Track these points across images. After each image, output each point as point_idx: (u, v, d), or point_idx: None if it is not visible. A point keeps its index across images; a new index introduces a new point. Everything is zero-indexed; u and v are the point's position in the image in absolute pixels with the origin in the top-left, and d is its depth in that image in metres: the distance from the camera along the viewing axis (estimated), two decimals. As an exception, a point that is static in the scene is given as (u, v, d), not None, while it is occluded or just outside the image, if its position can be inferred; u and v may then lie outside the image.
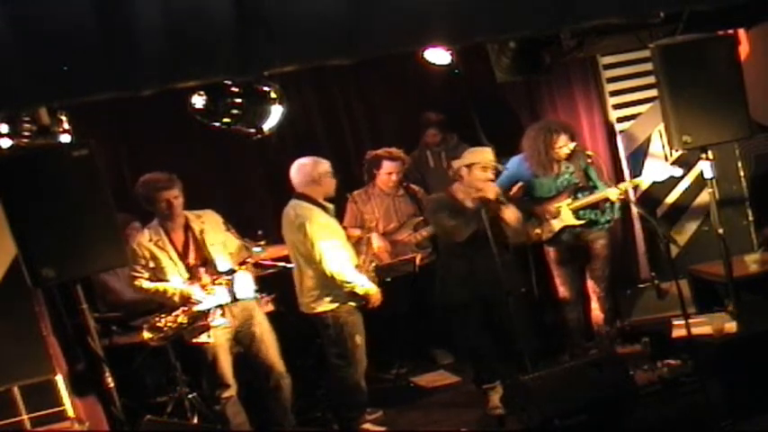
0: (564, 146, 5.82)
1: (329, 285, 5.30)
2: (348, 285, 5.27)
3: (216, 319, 5.11)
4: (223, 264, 5.13)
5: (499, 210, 5.40)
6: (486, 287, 5.41)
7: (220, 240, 5.20)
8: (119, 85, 3.35)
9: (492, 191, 5.41)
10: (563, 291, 6.05)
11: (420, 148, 6.89)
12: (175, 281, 5.11)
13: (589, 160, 5.98)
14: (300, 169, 5.37)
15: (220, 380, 5.20)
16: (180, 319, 5.06)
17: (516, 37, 4.97)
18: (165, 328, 5.06)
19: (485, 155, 5.50)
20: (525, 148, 5.99)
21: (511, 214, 5.45)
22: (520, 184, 6.04)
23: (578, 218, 5.90)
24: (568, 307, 6.08)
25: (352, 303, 5.36)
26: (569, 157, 5.89)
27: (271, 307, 5.58)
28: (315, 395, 5.95)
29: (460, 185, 5.54)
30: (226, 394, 5.21)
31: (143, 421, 4.88)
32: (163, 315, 5.07)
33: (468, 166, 5.47)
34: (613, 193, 5.81)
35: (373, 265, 5.61)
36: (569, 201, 5.89)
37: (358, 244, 5.66)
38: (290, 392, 5.40)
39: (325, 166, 5.39)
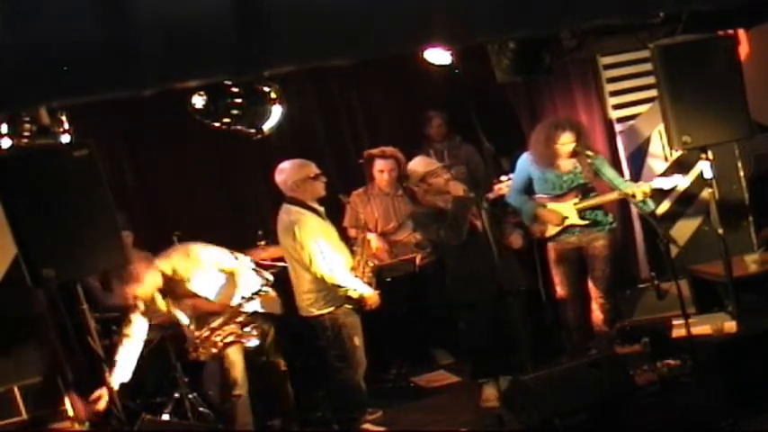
0: (567, 143, 5.82)
1: (325, 288, 5.29)
2: (341, 289, 5.28)
3: (251, 341, 5.12)
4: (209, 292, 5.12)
5: (474, 203, 5.42)
6: (492, 285, 5.43)
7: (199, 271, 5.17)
8: (119, 85, 3.35)
9: (458, 188, 5.44)
10: (560, 290, 6.05)
11: (423, 148, 6.88)
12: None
13: (595, 160, 5.94)
14: (282, 174, 5.34)
15: (232, 379, 5.19)
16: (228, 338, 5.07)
17: (516, 37, 4.97)
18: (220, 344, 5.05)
19: (423, 163, 5.65)
20: (530, 142, 6.02)
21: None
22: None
23: (582, 218, 5.90)
24: (566, 306, 6.08)
25: (349, 306, 5.36)
26: (575, 155, 5.87)
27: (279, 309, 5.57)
28: (315, 395, 5.95)
29: (433, 196, 5.61)
30: (237, 392, 5.21)
31: (143, 421, 4.88)
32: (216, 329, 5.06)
33: (423, 180, 5.57)
34: (638, 191, 5.76)
35: (370, 266, 5.60)
36: (576, 200, 5.90)
37: (353, 244, 5.65)
38: (288, 387, 5.43)
39: (306, 168, 5.34)
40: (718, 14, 5.29)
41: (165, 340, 5.53)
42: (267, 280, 5.15)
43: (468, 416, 5.59)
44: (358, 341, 5.41)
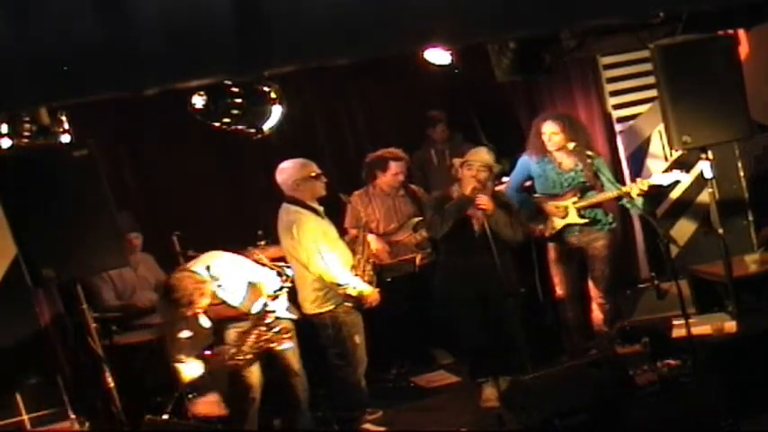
0: (548, 133, 5.84)
1: (325, 287, 5.30)
2: (340, 288, 5.28)
3: (285, 344, 5.08)
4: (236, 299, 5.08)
5: (476, 202, 5.39)
6: (483, 285, 5.44)
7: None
8: (119, 85, 3.35)
9: (468, 186, 5.44)
10: (559, 290, 6.06)
11: (424, 147, 6.92)
12: None
13: (595, 161, 5.93)
14: (282, 173, 5.36)
15: (248, 384, 5.16)
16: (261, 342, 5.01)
17: (516, 37, 4.97)
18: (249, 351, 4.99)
19: (476, 154, 5.60)
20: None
21: (486, 203, 5.41)
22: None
23: (581, 216, 5.90)
24: (565, 306, 6.09)
25: (349, 304, 5.36)
26: (576, 154, 5.86)
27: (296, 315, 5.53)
28: (315, 395, 5.94)
29: (457, 186, 5.63)
30: (252, 395, 5.18)
31: (143, 421, 4.87)
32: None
33: (462, 165, 5.59)
34: (634, 188, 5.76)
35: (370, 264, 5.60)
36: (575, 199, 5.90)
37: (353, 243, 5.65)
38: (303, 391, 5.34)
39: (307, 168, 5.36)
40: (718, 14, 5.30)
41: (166, 340, 5.53)
42: (287, 276, 5.08)
43: (468, 416, 5.59)
44: (359, 339, 5.41)
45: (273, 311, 5.01)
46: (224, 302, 4.97)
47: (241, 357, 4.97)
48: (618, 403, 4.85)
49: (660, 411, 5.08)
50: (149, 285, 6.09)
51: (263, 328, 5.00)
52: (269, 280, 5.08)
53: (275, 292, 5.00)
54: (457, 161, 5.73)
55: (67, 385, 5.20)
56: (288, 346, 5.07)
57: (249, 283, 5.05)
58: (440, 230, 5.56)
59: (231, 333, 5.07)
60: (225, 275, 4.95)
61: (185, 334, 4.86)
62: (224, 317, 5.04)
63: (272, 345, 5.03)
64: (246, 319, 5.03)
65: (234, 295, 5.01)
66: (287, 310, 5.19)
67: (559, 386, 4.82)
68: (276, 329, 5.02)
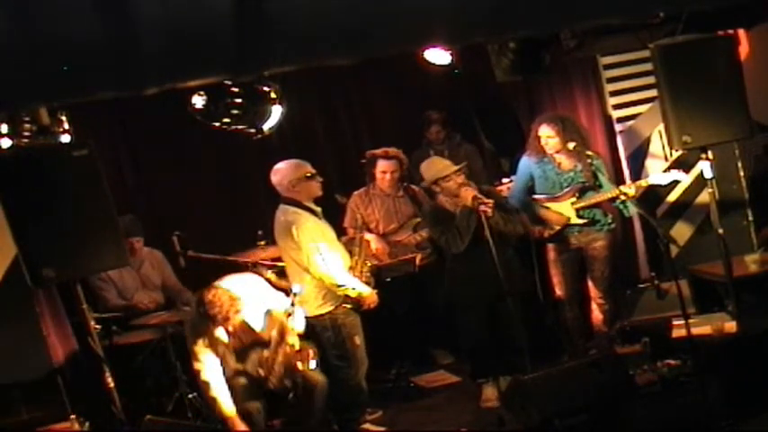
0: (544, 137, 5.84)
1: (323, 288, 5.29)
2: (340, 289, 5.27)
3: (311, 362, 5.07)
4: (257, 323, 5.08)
5: (482, 209, 5.38)
6: (490, 287, 5.43)
7: None
8: (119, 85, 3.34)
9: (468, 195, 5.43)
10: (558, 290, 6.05)
11: (423, 146, 6.92)
12: None
13: (595, 161, 5.93)
14: (277, 174, 5.34)
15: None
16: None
17: (516, 37, 4.97)
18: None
19: (439, 165, 5.63)
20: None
21: (491, 206, 5.42)
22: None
23: (580, 217, 5.90)
24: (564, 306, 6.08)
25: (348, 305, 5.36)
26: (574, 156, 5.86)
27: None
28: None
29: (444, 197, 5.64)
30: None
31: (143, 421, 4.88)
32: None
33: (435, 183, 5.60)
34: (631, 189, 5.76)
35: (368, 266, 5.60)
36: (573, 199, 5.89)
37: (350, 244, 5.65)
38: (322, 396, 5.21)
39: (301, 168, 5.33)
40: (718, 14, 5.29)
41: (165, 340, 5.54)
42: (295, 294, 4.99)
43: (468, 416, 5.60)
44: (358, 340, 5.41)
45: (292, 329, 5.00)
46: (247, 325, 4.97)
47: (273, 378, 5.00)
48: (618, 403, 4.86)
49: (660, 411, 5.09)
50: (153, 285, 6.09)
51: (287, 348, 4.99)
52: (281, 303, 5.08)
53: (286, 311, 4.99)
54: (424, 185, 5.76)
55: (67, 385, 5.20)
56: (314, 364, 5.07)
57: (267, 309, 5.07)
58: (461, 245, 5.53)
59: (253, 356, 5.06)
60: (248, 297, 4.95)
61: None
62: (247, 342, 5.05)
63: (298, 363, 5.02)
64: (267, 344, 5.04)
65: (256, 320, 5.03)
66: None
67: (559, 386, 4.82)
68: (297, 348, 5.01)
